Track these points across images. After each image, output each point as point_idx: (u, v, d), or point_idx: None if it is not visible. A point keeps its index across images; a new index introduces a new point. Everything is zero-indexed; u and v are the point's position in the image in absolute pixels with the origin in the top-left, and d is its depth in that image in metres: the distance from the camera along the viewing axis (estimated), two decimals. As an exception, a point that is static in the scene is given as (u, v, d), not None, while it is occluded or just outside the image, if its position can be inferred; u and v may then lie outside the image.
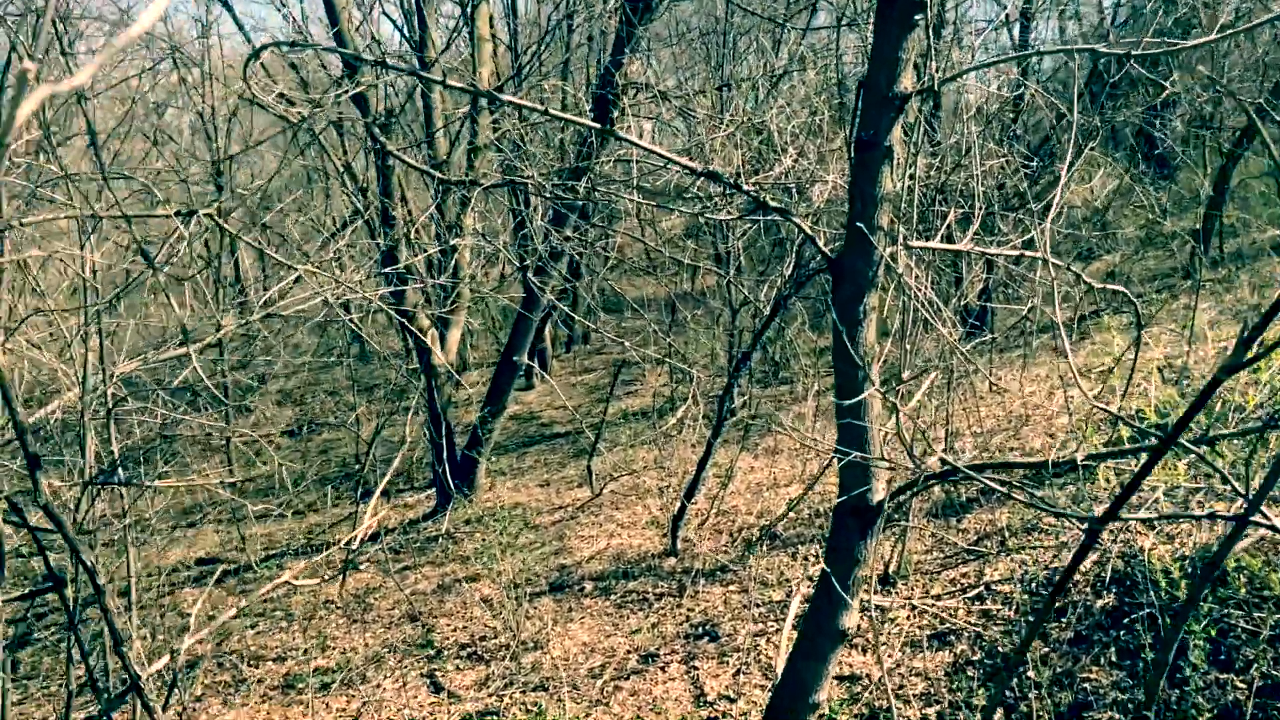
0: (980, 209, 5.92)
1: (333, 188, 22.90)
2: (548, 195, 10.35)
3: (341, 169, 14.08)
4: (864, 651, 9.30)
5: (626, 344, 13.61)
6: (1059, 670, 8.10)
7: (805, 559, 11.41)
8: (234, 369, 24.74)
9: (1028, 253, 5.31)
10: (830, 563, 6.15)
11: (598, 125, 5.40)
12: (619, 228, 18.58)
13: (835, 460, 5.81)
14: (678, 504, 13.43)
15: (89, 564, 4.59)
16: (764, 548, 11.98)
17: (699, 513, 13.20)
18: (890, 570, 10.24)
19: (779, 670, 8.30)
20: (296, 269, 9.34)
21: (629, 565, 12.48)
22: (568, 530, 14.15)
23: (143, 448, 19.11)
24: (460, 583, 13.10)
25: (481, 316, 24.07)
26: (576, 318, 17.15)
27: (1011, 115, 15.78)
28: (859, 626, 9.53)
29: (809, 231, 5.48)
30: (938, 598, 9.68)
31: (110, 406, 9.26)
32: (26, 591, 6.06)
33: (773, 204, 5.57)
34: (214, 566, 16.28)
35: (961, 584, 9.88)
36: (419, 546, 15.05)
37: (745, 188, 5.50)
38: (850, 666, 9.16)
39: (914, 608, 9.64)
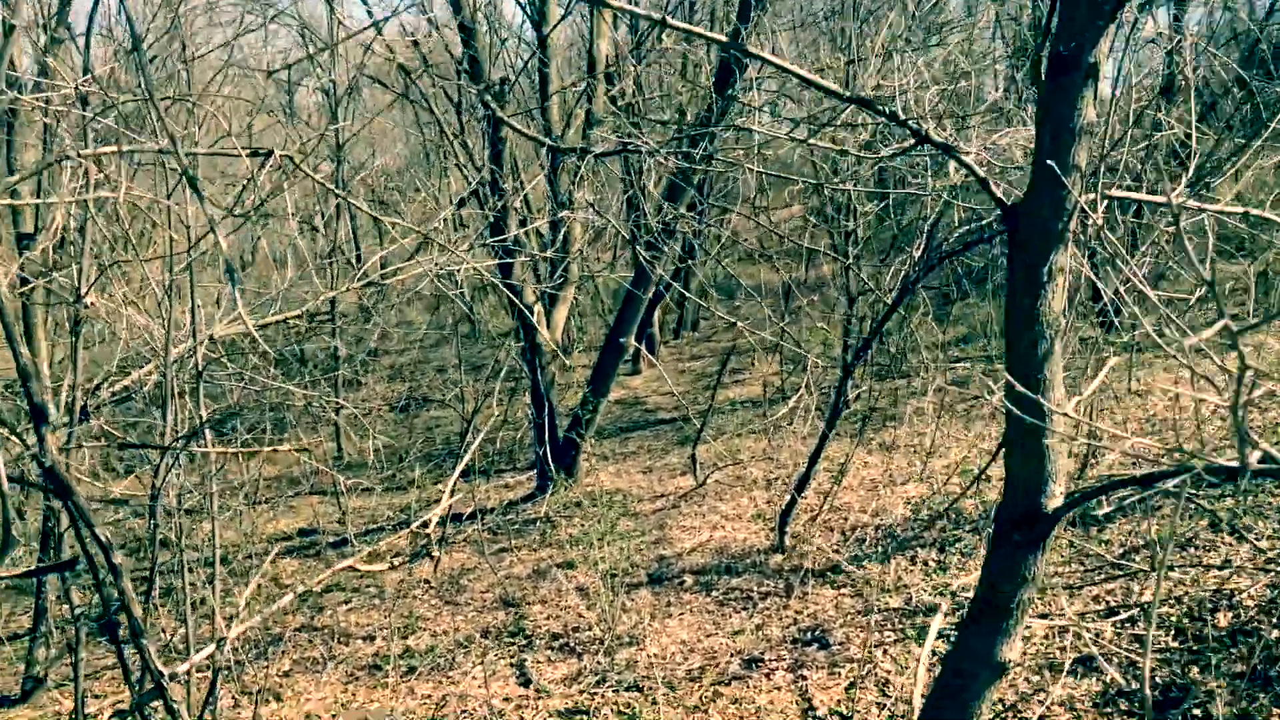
0: (1194, 154, 4.66)
1: (450, 169, 22.23)
2: (664, 161, 9.28)
3: (453, 138, 13.23)
4: (996, 673, 8.03)
5: (740, 324, 12.44)
6: (1235, 711, 6.75)
7: (924, 564, 10.15)
8: (348, 343, 24.31)
9: (1257, 211, 4.05)
10: (989, 580, 4.95)
11: (724, 39, 4.30)
12: (734, 211, 17.44)
13: (1001, 457, 4.61)
14: (786, 497, 12.27)
15: (104, 540, 3.67)
16: (880, 550, 10.75)
17: (808, 508, 12.02)
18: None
19: (915, 702, 7.09)
20: (395, 225, 8.39)
21: (732, 560, 11.37)
22: (669, 519, 13.10)
23: (232, 413, 18.66)
24: (556, 569, 12.14)
25: (589, 297, 23.15)
26: (689, 295, 15.98)
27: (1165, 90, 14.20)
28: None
29: (979, 172, 4.31)
30: (1082, 616, 8.36)
31: (201, 369, 8.43)
32: (33, 568, 5.23)
33: (936, 137, 4.41)
34: (314, 538, 15.66)
35: (1107, 603, 8.54)
36: (516, 529, 14.16)
37: (902, 117, 4.35)
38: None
39: (1055, 626, 8.34)
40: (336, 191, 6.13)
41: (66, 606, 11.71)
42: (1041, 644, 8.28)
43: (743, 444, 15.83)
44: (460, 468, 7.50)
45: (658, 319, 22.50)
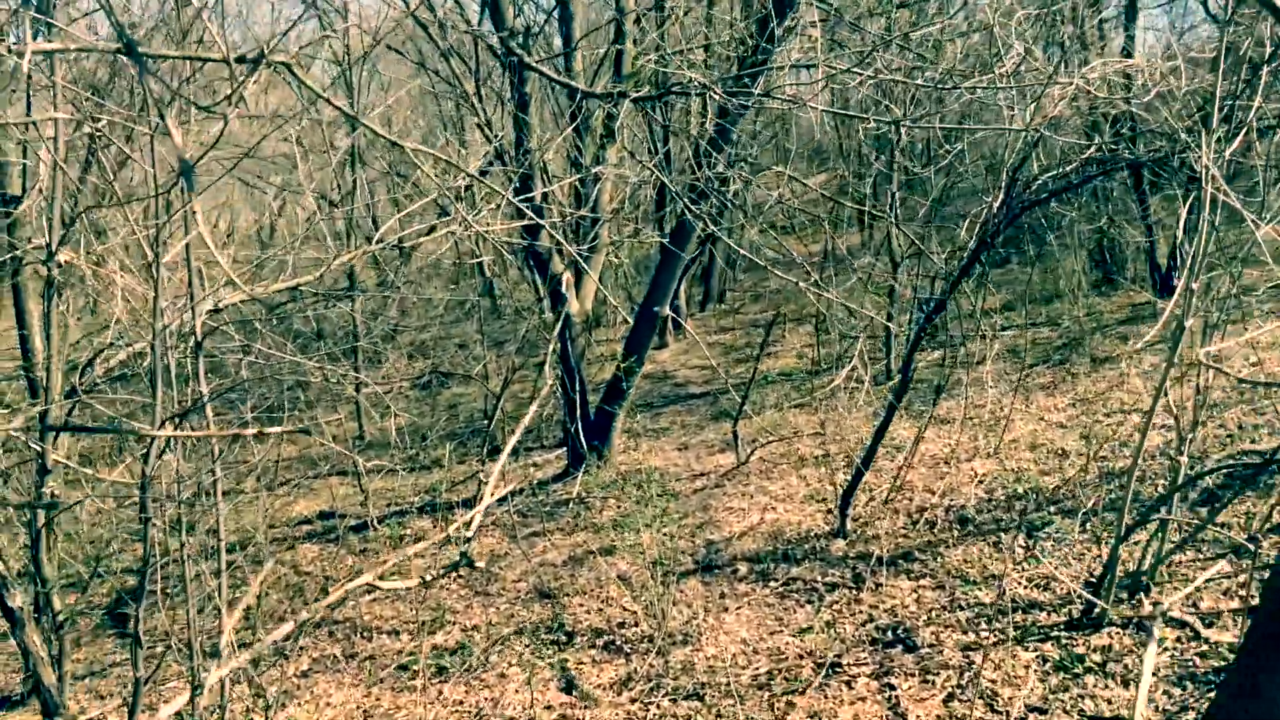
0: None
1: (472, 133, 20.87)
2: (717, 96, 7.87)
3: (473, 92, 11.82)
4: (1123, 683, 6.69)
5: (794, 283, 11.05)
6: None
7: (1012, 551, 8.80)
8: (367, 318, 22.97)
9: None
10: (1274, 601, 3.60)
11: None
12: (761, 175, 15.97)
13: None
14: (843, 476, 10.92)
15: None
16: (955, 534, 9.40)
17: (866, 486, 10.68)
18: (1139, 572, 7.58)
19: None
20: (423, 174, 6.95)
21: (789, 546, 10.04)
22: (712, 500, 11.77)
23: (236, 390, 17.37)
24: (594, 555, 10.84)
25: (613, 268, 21.75)
26: (726, 261, 14.59)
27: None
28: (1110, 648, 6.93)
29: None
30: (1214, 618, 7.01)
31: (200, 339, 7.06)
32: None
33: None
34: (334, 521, 14.38)
35: (1239, 595, 7.18)
36: (549, 510, 12.85)
37: None
38: (1096, 703, 6.58)
39: (1184, 626, 6.99)
40: (345, 110, 4.78)
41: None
42: (1174, 643, 6.93)
43: (785, 418, 14.47)
44: (509, 447, 6.15)
45: (684, 291, 21.11)
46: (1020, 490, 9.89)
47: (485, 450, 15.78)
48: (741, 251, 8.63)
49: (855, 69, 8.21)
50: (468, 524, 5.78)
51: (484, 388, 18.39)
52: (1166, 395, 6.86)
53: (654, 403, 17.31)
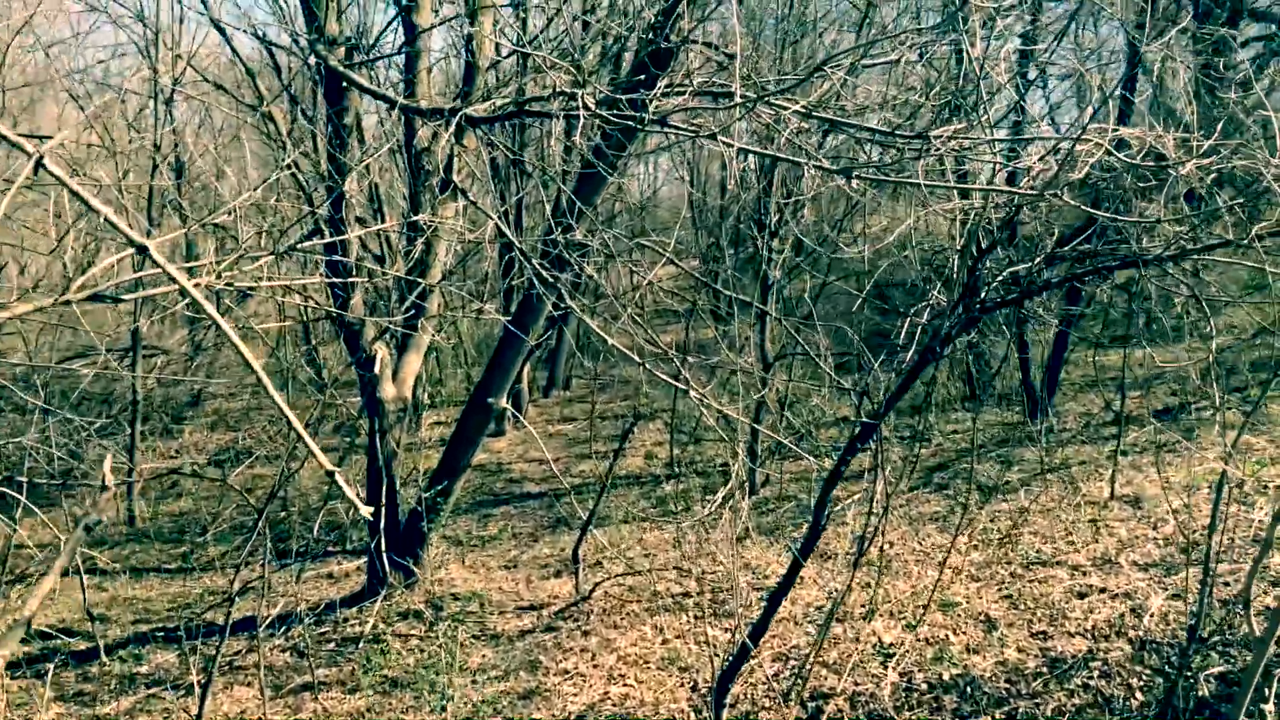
0: None
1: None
2: (586, 116, 4.77)
3: (263, 116, 8.41)
4: None
5: (650, 375, 7.96)
6: None
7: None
8: (169, 383, 18.68)
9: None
10: None
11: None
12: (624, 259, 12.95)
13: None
14: (715, 634, 7.73)
15: None
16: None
17: (751, 666, 7.50)
18: None
19: None
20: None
21: (644, 741, 6.75)
22: (544, 655, 8.39)
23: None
24: (378, 733, 7.29)
25: (450, 344, 18.26)
26: (597, 333, 11.60)
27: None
28: None
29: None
30: None
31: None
32: None
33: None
34: (59, 642, 10.26)
35: None
36: (333, 650, 9.19)
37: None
38: None
39: None
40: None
41: None
42: None
43: (634, 536, 11.27)
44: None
45: (527, 375, 17.81)
46: (946, 678, 6.92)
47: (271, 554, 11.99)
48: (601, 334, 5.73)
49: (780, 98, 5.27)
50: None
51: (284, 472, 14.52)
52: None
53: (484, 502, 13.84)
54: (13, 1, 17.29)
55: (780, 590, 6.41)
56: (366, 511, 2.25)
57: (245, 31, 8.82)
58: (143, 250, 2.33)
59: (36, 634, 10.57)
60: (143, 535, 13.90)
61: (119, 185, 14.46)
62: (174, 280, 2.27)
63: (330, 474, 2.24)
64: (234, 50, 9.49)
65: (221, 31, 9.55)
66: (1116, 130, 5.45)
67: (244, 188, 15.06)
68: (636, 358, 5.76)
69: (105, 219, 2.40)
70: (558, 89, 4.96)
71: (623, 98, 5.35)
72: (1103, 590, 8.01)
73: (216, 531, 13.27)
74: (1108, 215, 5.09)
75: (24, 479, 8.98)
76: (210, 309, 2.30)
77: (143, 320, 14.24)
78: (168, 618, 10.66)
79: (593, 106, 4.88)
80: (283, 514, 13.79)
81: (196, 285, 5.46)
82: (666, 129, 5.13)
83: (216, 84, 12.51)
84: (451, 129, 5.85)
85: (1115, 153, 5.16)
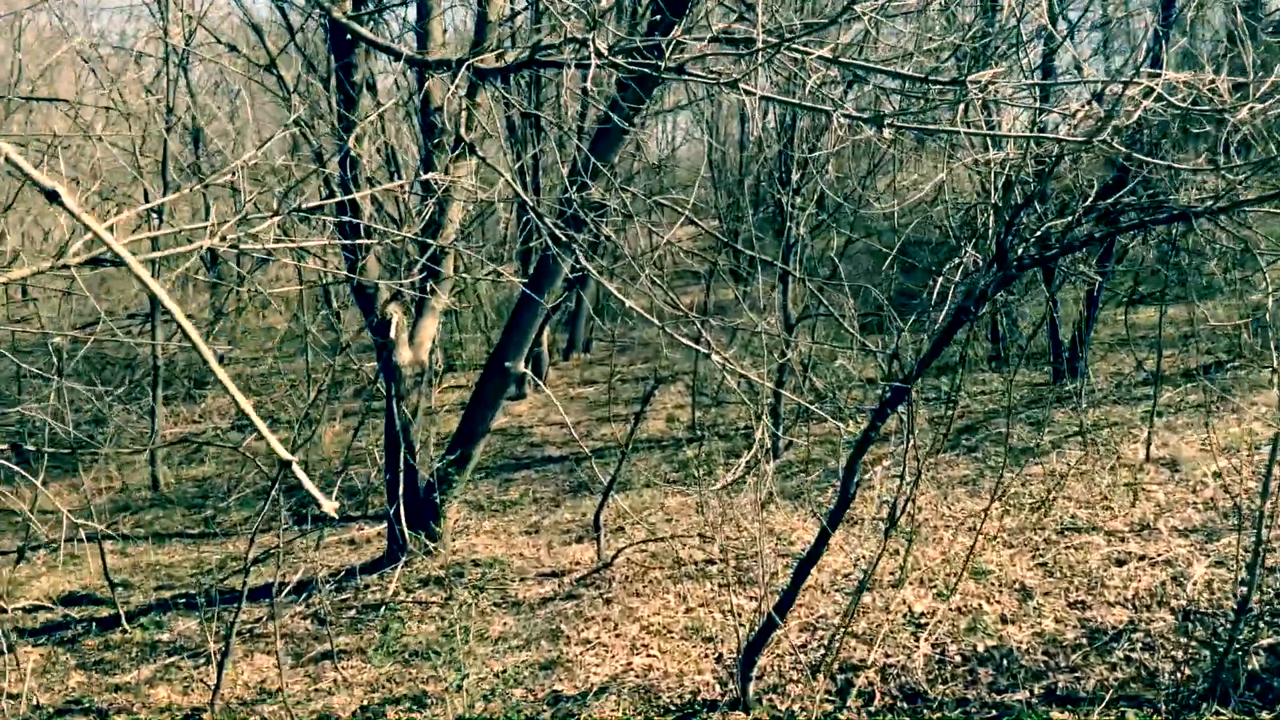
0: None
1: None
2: (602, 66, 4.40)
3: (278, 77, 8.05)
4: None
5: (670, 338, 7.65)
6: None
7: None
8: (186, 350, 18.51)
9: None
10: None
11: None
12: (641, 218, 12.52)
13: None
14: (740, 602, 7.46)
15: None
16: (892, 710, 6.03)
17: (778, 637, 7.22)
18: None
19: None
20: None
21: (669, 716, 6.50)
22: (564, 623, 8.15)
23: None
24: (401, 704, 7.08)
25: (470, 308, 17.97)
26: (615, 295, 11.31)
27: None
28: None
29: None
30: None
31: None
32: None
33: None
34: (84, 608, 10.14)
35: None
36: (353, 616, 9.00)
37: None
38: None
39: None
40: None
41: None
42: None
43: (656, 501, 11.00)
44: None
45: (547, 338, 17.49)
46: (981, 649, 6.61)
47: (292, 519, 11.83)
48: (619, 296, 5.43)
49: (802, 42, 4.87)
50: None
51: (302, 436, 14.35)
52: None
53: (505, 466, 13.61)
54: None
55: (808, 561, 6.10)
56: (330, 507, 1.95)
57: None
58: (53, 196, 2.01)
59: (60, 599, 10.46)
60: (166, 500, 13.77)
61: (135, 149, 14.19)
62: (89, 228, 1.96)
63: (286, 464, 1.95)
64: (241, 7, 9.11)
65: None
66: (1159, 75, 5.01)
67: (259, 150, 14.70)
68: (655, 321, 5.41)
69: (8, 160, 2.09)
70: (569, 35, 4.59)
71: (639, 43, 4.95)
72: (1142, 557, 7.67)
73: (239, 496, 13.12)
74: (1164, 163, 4.66)
75: (34, 448, 8.79)
76: (144, 274, 1.99)
77: (161, 284, 13.99)
78: (190, 583, 10.52)
79: (605, 52, 4.50)
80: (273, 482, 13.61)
81: (209, 245, 5.22)
82: (684, 77, 4.74)
83: (230, 45, 12.15)
84: (458, 81, 5.49)
85: (1167, 97, 4.74)
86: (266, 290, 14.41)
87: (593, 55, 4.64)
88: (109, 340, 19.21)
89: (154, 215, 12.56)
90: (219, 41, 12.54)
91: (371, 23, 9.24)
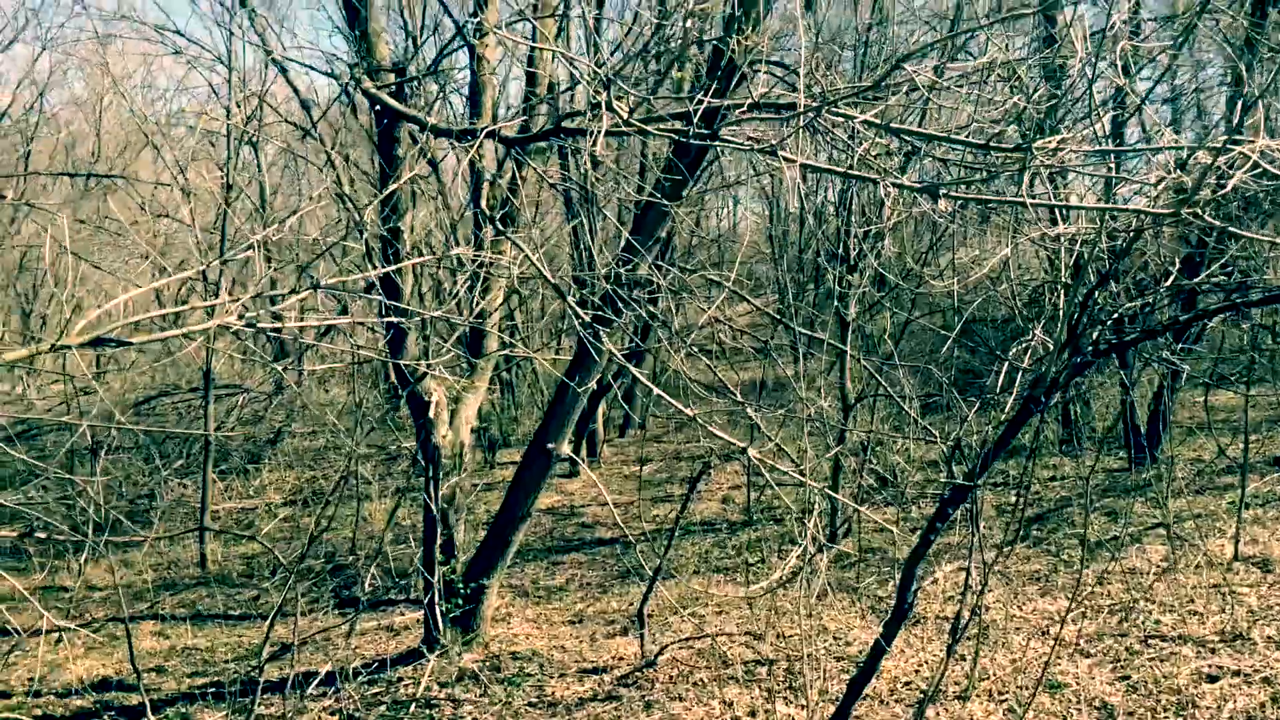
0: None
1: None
2: (646, 133, 3.99)
3: (305, 134, 7.86)
4: None
5: (725, 417, 7.14)
6: None
7: None
8: (248, 422, 18.44)
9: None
10: None
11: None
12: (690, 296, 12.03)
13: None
14: (788, 713, 6.74)
15: None
16: None
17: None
18: None
19: None
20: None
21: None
22: (603, 727, 7.49)
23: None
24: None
25: (526, 384, 17.62)
26: (649, 387, 10.72)
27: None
28: None
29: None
30: None
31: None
32: None
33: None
34: (112, 694, 9.76)
35: None
36: (383, 713, 8.44)
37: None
38: None
39: None
40: None
41: None
42: None
43: (705, 589, 10.32)
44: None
45: (602, 412, 17.04)
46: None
47: (333, 600, 11.42)
48: (656, 392, 4.92)
49: (843, 105, 4.39)
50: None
51: (357, 513, 13.99)
52: None
53: (554, 548, 13.04)
54: (106, 56, 17.45)
55: (861, 678, 5.41)
56: None
57: (298, 64, 8.28)
58: None
59: (93, 684, 10.10)
60: (214, 579, 13.45)
61: (194, 225, 14.26)
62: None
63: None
64: (291, 84, 9.01)
65: (282, 70, 9.09)
66: (1255, 141, 4.40)
67: (318, 225, 14.67)
68: (686, 410, 4.86)
69: None
70: (593, 100, 4.18)
71: (662, 110, 4.53)
72: (1236, 672, 6.79)
73: (284, 574, 12.74)
74: (1267, 237, 4.03)
75: (71, 529, 8.50)
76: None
77: (219, 360, 13.91)
78: (225, 670, 10.08)
79: (630, 119, 4.07)
80: (350, 558, 13.23)
81: (220, 323, 4.94)
82: (717, 143, 4.30)
83: (289, 121, 12.17)
84: (490, 154, 5.11)
85: (1267, 166, 4.13)
86: (320, 365, 14.21)
87: (621, 124, 4.24)
88: (169, 412, 19.27)
89: (203, 289, 12.49)
90: (281, 117, 12.58)
91: (436, 101, 9.06)
